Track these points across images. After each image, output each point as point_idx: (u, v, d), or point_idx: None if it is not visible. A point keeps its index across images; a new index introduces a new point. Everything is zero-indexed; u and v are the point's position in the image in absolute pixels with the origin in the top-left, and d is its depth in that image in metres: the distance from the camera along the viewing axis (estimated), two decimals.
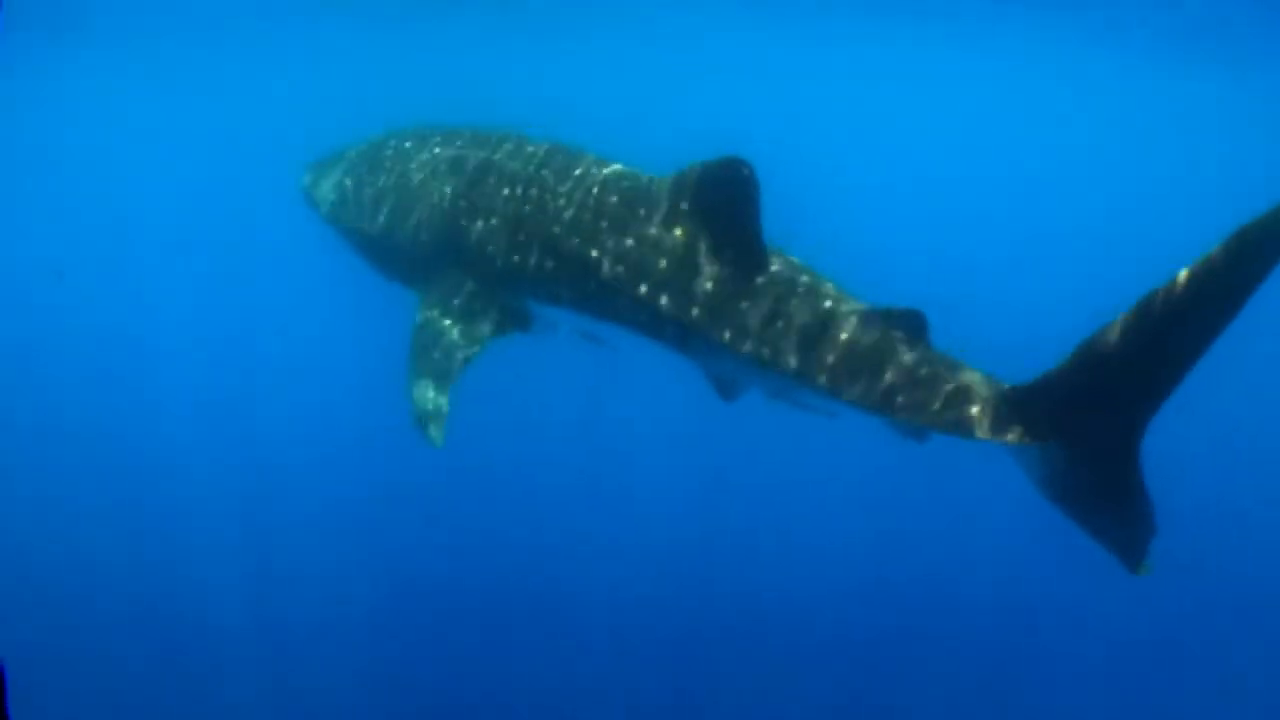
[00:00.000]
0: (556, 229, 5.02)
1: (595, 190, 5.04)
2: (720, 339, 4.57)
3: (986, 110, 26.27)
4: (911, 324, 4.30)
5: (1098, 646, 10.64)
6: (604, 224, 4.91)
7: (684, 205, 4.74)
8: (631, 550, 10.69)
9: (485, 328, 5.32)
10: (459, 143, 5.74)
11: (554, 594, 10.50)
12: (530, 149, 5.48)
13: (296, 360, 14.70)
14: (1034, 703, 9.89)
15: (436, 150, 5.76)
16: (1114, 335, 3.67)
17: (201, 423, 12.80)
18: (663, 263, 4.73)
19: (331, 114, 12.85)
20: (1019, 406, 4.00)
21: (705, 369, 5.18)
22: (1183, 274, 3.47)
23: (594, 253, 4.88)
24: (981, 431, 4.04)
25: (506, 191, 5.27)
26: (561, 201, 5.07)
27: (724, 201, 4.61)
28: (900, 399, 4.20)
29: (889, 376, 4.24)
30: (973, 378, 4.19)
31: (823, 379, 4.36)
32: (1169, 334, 3.59)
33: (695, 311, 4.62)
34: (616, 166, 5.22)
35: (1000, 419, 4.01)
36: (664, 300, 4.70)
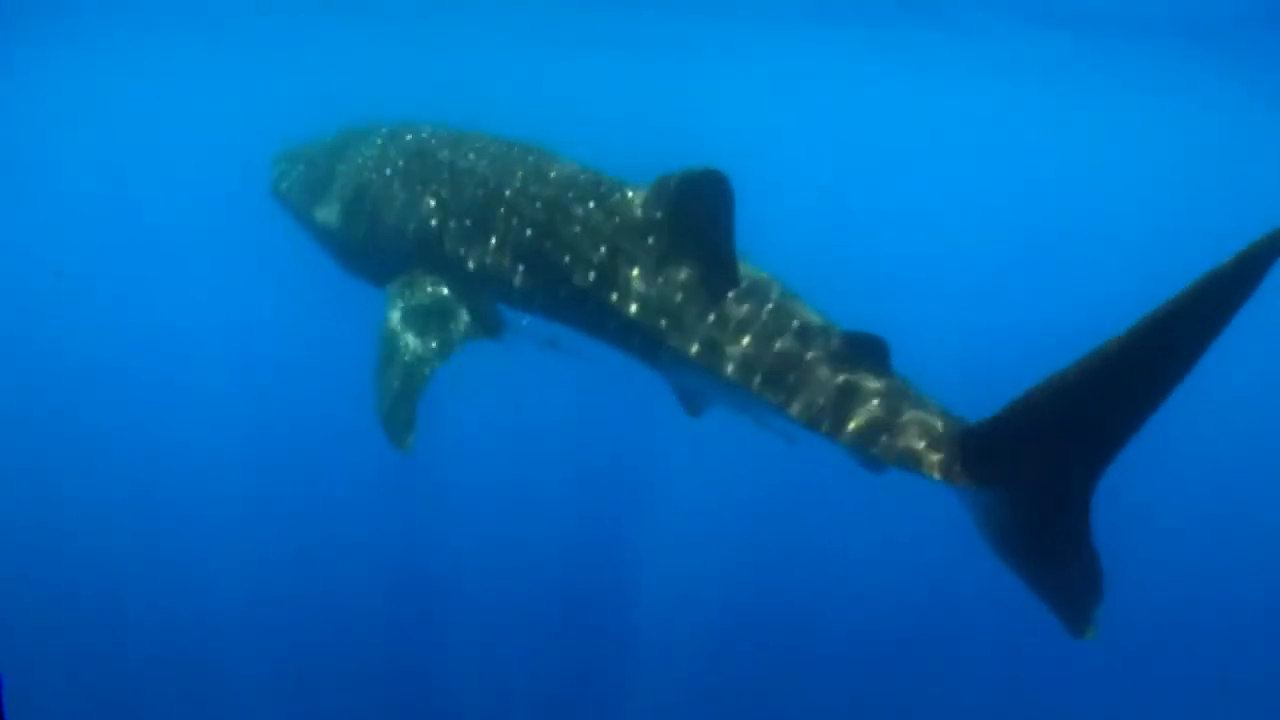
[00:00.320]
0: (530, 232, 4.91)
1: (570, 194, 4.92)
2: (686, 351, 4.48)
3: (973, 124, 25.98)
4: (876, 351, 4.19)
5: (1098, 646, 10.61)
6: (578, 229, 4.80)
7: (659, 215, 4.64)
8: (631, 550, 10.69)
9: (454, 334, 5.14)
10: (433, 140, 5.58)
11: (554, 594, 10.49)
12: (506, 150, 5.35)
13: (296, 360, 14.67)
14: (1034, 703, 9.89)
15: (409, 147, 5.58)
16: (1068, 380, 3.45)
17: (201, 422, 12.80)
18: (634, 271, 4.64)
19: (331, 114, 12.80)
20: (965, 447, 3.82)
21: (671, 381, 5.10)
22: (1141, 322, 3.26)
23: (567, 258, 4.78)
24: (927, 468, 3.88)
25: (480, 192, 5.13)
26: (537, 205, 4.96)
27: (700, 213, 4.52)
28: (853, 427, 4.09)
29: (847, 404, 4.12)
30: (927, 413, 4.02)
31: (781, 399, 4.25)
32: (1124, 383, 3.40)
33: (663, 322, 4.54)
34: (592, 171, 5.11)
35: (948, 458, 3.85)
36: (633, 309, 4.61)
